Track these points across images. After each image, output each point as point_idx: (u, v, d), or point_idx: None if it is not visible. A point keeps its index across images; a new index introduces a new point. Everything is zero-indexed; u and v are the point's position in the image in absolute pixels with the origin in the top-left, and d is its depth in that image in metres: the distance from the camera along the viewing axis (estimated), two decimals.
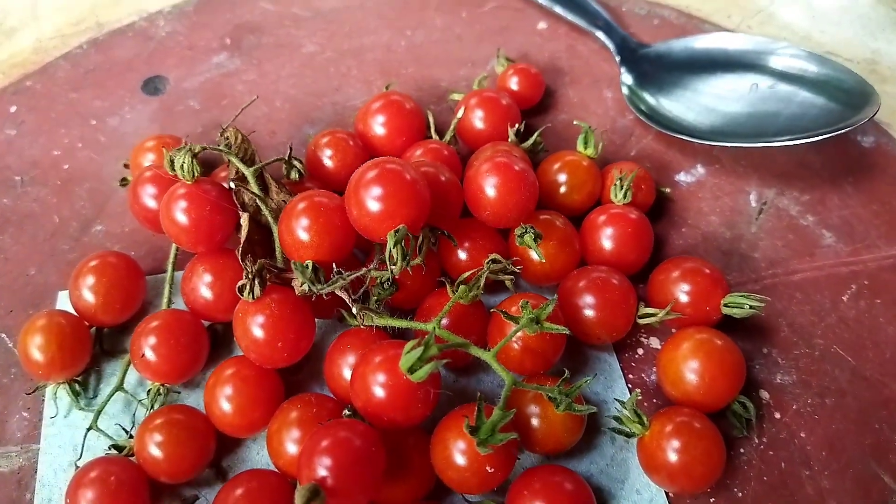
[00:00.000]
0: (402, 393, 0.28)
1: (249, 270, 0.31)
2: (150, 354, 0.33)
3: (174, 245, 0.37)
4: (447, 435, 0.29)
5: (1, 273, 0.39)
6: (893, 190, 0.42)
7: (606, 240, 0.37)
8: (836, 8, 0.53)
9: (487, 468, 0.28)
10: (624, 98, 0.46)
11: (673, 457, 0.31)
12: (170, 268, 0.37)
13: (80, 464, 0.32)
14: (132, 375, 0.35)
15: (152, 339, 0.33)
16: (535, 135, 0.41)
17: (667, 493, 0.32)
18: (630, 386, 0.36)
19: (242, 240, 0.33)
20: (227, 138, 0.36)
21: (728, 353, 0.33)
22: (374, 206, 0.30)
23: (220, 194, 0.34)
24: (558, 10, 0.51)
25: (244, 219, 0.33)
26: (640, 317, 0.35)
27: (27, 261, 0.40)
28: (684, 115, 0.43)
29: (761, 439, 0.34)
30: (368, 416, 0.29)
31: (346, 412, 0.31)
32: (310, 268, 0.31)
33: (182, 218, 0.33)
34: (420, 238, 0.32)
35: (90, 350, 0.35)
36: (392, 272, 0.30)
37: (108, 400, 0.34)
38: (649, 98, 0.45)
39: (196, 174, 0.33)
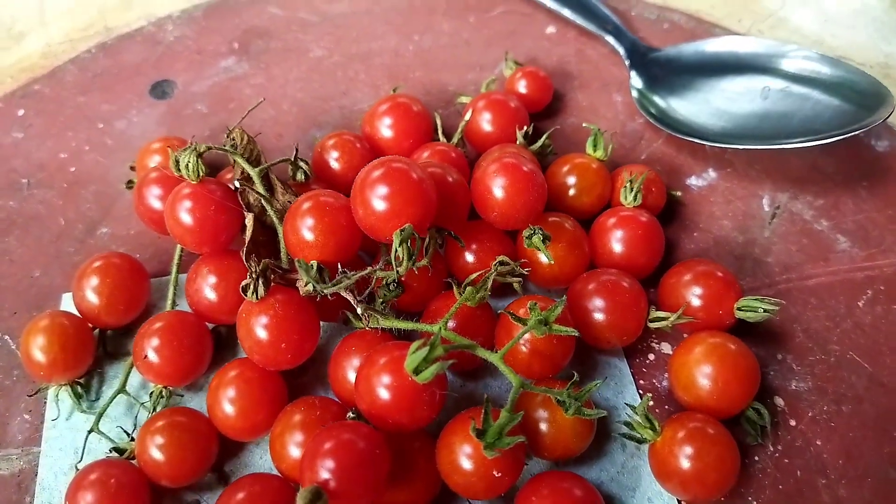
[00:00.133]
0: (407, 394, 0.27)
1: (253, 270, 0.30)
2: (152, 356, 0.32)
3: (178, 247, 0.37)
4: (453, 438, 0.28)
5: (6, 275, 0.39)
6: None
7: (616, 242, 0.36)
8: (849, 12, 0.52)
9: (494, 472, 0.28)
10: (634, 101, 0.46)
11: (686, 463, 0.30)
12: (174, 269, 0.37)
13: (81, 467, 0.31)
14: (135, 378, 0.35)
15: (155, 341, 0.32)
16: (544, 137, 0.41)
17: (679, 502, 0.32)
18: (641, 392, 0.35)
19: (247, 240, 0.33)
20: (233, 139, 0.36)
21: (742, 357, 0.32)
22: (379, 204, 0.30)
23: (226, 194, 0.34)
24: (567, 14, 0.50)
25: (249, 219, 0.33)
26: (651, 321, 0.35)
27: (32, 263, 0.40)
28: (695, 118, 0.43)
29: (776, 447, 0.33)
30: (373, 418, 0.28)
31: (351, 415, 0.30)
32: (314, 267, 0.30)
33: (186, 217, 0.33)
34: (427, 239, 0.32)
35: (93, 352, 0.35)
36: (398, 272, 0.30)
37: (111, 402, 0.33)
38: (659, 101, 0.45)
39: (201, 174, 0.33)
